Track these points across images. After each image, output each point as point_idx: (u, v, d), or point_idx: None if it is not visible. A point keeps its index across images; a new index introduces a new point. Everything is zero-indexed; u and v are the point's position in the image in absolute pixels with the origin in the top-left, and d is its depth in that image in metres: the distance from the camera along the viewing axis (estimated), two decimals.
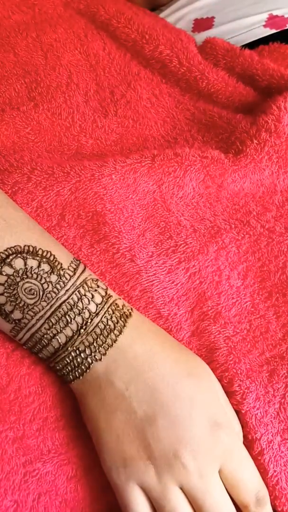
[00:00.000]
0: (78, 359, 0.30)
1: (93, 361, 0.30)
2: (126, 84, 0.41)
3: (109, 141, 0.39)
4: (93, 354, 0.30)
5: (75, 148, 0.39)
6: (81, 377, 0.31)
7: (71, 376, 0.31)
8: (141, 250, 0.35)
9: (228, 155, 0.38)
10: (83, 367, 0.30)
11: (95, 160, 0.36)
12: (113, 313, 0.31)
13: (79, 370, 0.31)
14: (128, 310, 0.32)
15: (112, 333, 0.30)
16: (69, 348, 0.30)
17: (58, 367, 0.31)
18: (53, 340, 0.30)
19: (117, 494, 0.30)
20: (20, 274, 0.30)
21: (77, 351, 0.30)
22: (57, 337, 0.30)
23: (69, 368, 0.31)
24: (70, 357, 0.30)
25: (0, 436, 0.31)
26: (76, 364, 0.30)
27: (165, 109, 0.41)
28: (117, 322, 0.31)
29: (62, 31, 0.41)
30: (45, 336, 0.30)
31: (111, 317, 0.31)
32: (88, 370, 0.30)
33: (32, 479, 0.31)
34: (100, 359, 0.30)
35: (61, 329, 0.30)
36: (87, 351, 0.30)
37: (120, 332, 0.31)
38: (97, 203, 0.34)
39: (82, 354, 0.30)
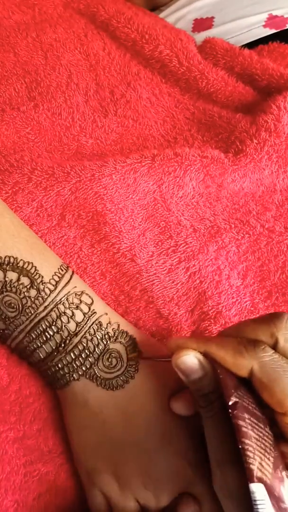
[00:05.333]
0: (58, 375, 0.30)
1: (71, 380, 0.30)
2: (126, 83, 0.41)
3: (109, 141, 0.39)
4: (71, 373, 0.30)
5: (75, 148, 0.38)
6: (61, 389, 0.31)
7: (53, 386, 0.31)
8: (141, 250, 0.35)
9: (228, 155, 0.38)
10: (62, 381, 0.30)
11: (95, 160, 0.36)
12: (95, 334, 0.30)
13: (59, 384, 0.31)
14: (112, 329, 0.31)
15: (91, 356, 0.30)
16: (48, 363, 0.30)
17: (43, 375, 0.32)
18: (34, 352, 0.30)
19: (86, 494, 0.31)
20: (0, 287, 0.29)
21: (57, 367, 0.30)
22: (38, 351, 0.30)
23: (51, 379, 0.31)
24: (51, 371, 0.30)
25: (0, 436, 0.31)
26: (56, 378, 0.31)
27: (165, 108, 0.41)
28: (98, 345, 0.30)
29: (62, 31, 0.41)
30: (27, 348, 0.30)
31: (92, 339, 0.30)
32: (66, 386, 0.31)
33: (32, 479, 0.31)
34: (78, 379, 0.30)
35: (41, 344, 0.30)
36: (66, 369, 0.30)
37: (99, 355, 0.30)
38: (98, 203, 0.34)
39: (61, 371, 0.30)
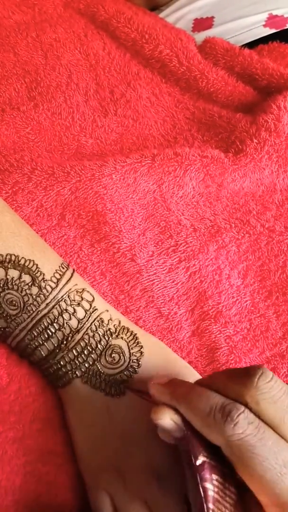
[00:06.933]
0: (60, 372, 0.30)
1: (74, 377, 0.30)
2: (126, 83, 0.41)
3: (109, 141, 0.39)
4: (73, 370, 0.30)
5: (75, 147, 0.39)
6: (63, 388, 0.31)
7: (54, 384, 0.31)
8: (141, 250, 0.35)
9: (228, 155, 0.38)
10: (64, 379, 0.30)
11: (95, 159, 0.36)
12: (96, 330, 0.30)
13: (61, 382, 0.31)
14: (114, 326, 0.31)
15: (94, 352, 0.30)
16: (50, 361, 0.30)
17: (44, 374, 0.31)
18: (36, 351, 0.30)
19: (88, 495, 0.31)
20: (1, 285, 0.29)
21: (59, 364, 0.30)
22: (40, 348, 0.30)
23: (52, 378, 0.31)
24: (53, 369, 0.30)
25: (0, 436, 0.31)
26: (58, 376, 0.30)
27: (165, 108, 0.41)
28: (100, 341, 0.30)
29: (62, 31, 0.41)
30: (29, 346, 0.30)
31: (93, 335, 0.30)
32: (69, 384, 0.30)
33: (32, 479, 0.31)
34: (81, 376, 0.30)
35: (43, 342, 0.30)
36: (68, 367, 0.30)
37: (102, 351, 0.30)
38: (98, 203, 0.34)
39: (63, 369, 0.30)
